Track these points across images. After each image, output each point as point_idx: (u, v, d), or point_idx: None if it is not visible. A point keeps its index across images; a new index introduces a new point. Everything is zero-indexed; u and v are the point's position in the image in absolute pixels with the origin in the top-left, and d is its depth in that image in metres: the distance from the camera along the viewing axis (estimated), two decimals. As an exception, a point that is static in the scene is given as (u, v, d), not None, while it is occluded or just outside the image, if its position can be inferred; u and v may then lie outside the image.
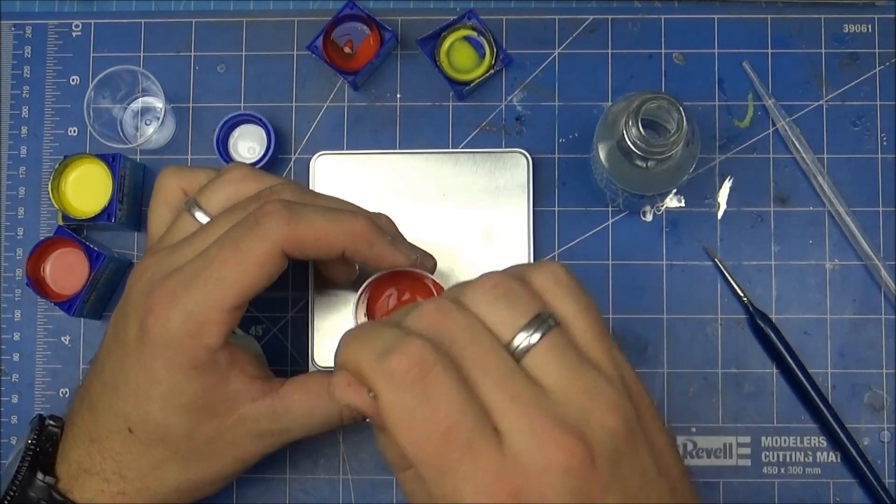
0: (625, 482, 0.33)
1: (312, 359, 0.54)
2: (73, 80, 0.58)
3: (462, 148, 0.57)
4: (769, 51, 0.57)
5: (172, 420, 0.43)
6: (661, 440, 0.35)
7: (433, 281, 0.48)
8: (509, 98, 0.57)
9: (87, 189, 0.55)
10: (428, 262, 0.48)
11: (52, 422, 0.47)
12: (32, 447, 0.45)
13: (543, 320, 0.34)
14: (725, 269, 0.55)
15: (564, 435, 0.32)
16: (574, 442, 0.31)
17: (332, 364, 0.53)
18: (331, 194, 0.49)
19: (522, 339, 0.33)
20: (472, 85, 0.56)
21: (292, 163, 0.57)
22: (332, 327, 0.54)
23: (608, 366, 0.34)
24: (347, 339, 0.35)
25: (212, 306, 0.42)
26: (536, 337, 0.33)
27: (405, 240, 0.49)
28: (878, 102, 0.56)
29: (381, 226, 0.46)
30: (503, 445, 0.32)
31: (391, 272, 0.46)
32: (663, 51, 0.57)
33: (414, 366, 0.32)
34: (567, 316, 0.35)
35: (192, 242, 0.44)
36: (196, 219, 0.46)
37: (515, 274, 0.36)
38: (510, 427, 0.32)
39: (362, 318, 0.46)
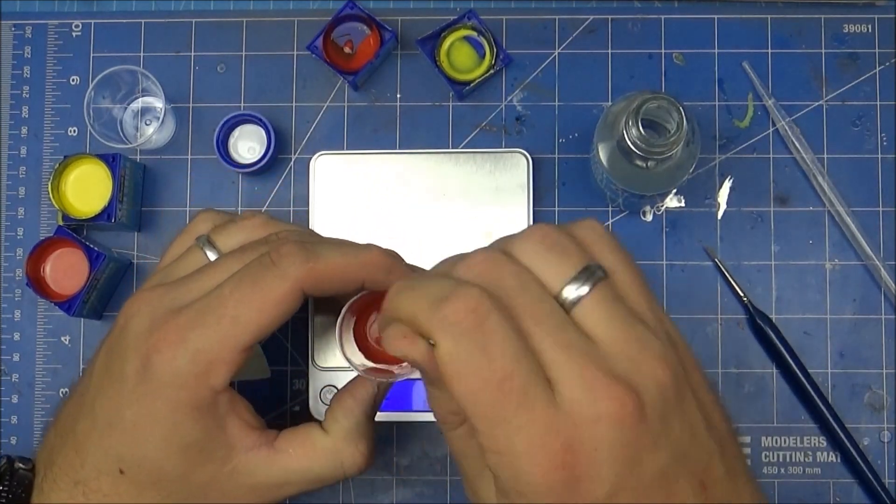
0: (674, 436, 0.33)
1: (312, 359, 0.54)
2: (73, 80, 0.58)
3: (462, 148, 0.57)
4: (769, 51, 0.57)
5: (168, 462, 0.41)
6: (708, 397, 0.35)
7: None
8: (509, 98, 0.57)
9: (87, 189, 0.55)
10: None
11: (21, 465, 0.44)
12: (4, 494, 0.43)
13: (592, 272, 0.33)
14: (725, 269, 0.55)
15: (616, 386, 0.31)
16: (625, 393, 0.31)
17: (331, 364, 0.53)
18: (337, 237, 0.47)
19: (572, 291, 0.33)
20: (472, 85, 0.56)
21: (292, 163, 0.57)
22: (332, 327, 0.53)
23: (653, 319, 0.34)
24: (399, 290, 0.35)
25: (224, 345, 0.40)
26: (585, 289, 0.33)
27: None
28: (878, 102, 0.56)
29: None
30: (556, 396, 0.32)
31: (369, 294, 0.44)
32: (663, 51, 0.57)
33: (470, 313, 0.32)
34: (611, 269, 0.34)
35: (198, 279, 0.43)
36: (207, 256, 0.45)
37: (558, 228, 0.36)
38: (562, 377, 0.32)
39: (349, 340, 0.44)
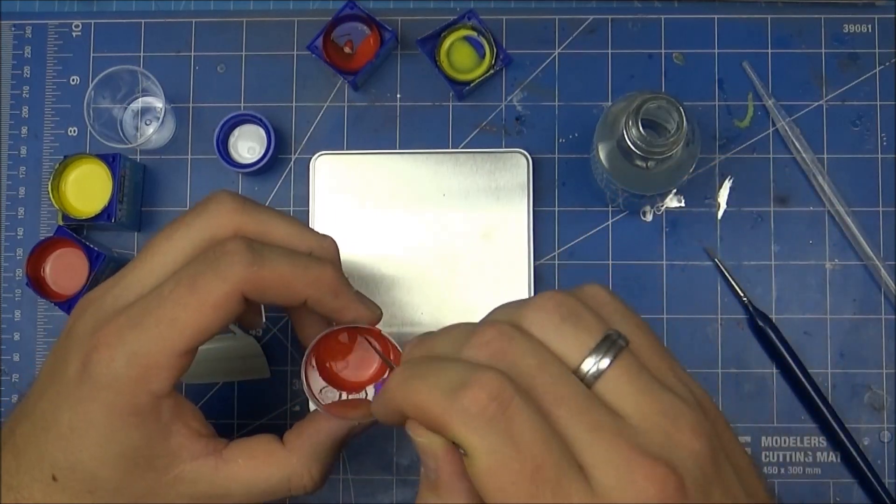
0: None
1: (312, 359, 0.54)
2: (73, 80, 0.58)
3: (462, 148, 0.57)
4: (769, 51, 0.57)
5: (103, 471, 0.39)
6: (744, 460, 0.33)
7: (381, 332, 0.44)
8: (509, 98, 0.57)
9: (87, 189, 0.55)
10: (376, 311, 0.44)
11: None
12: None
13: (613, 342, 0.31)
14: (725, 269, 0.55)
15: (653, 465, 0.29)
16: (664, 472, 0.29)
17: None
18: (293, 217, 0.45)
19: (592, 364, 0.31)
20: (472, 85, 0.56)
21: (292, 163, 0.57)
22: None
23: (679, 386, 0.32)
24: (405, 378, 0.32)
25: (161, 349, 0.39)
26: (607, 361, 0.31)
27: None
28: (878, 102, 0.56)
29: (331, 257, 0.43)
30: (591, 482, 0.30)
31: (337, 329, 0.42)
32: (663, 51, 0.57)
33: (492, 400, 0.29)
34: (628, 336, 0.32)
35: (139, 276, 0.41)
36: None
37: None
38: (596, 461, 0.30)
39: (317, 380, 0.43)
